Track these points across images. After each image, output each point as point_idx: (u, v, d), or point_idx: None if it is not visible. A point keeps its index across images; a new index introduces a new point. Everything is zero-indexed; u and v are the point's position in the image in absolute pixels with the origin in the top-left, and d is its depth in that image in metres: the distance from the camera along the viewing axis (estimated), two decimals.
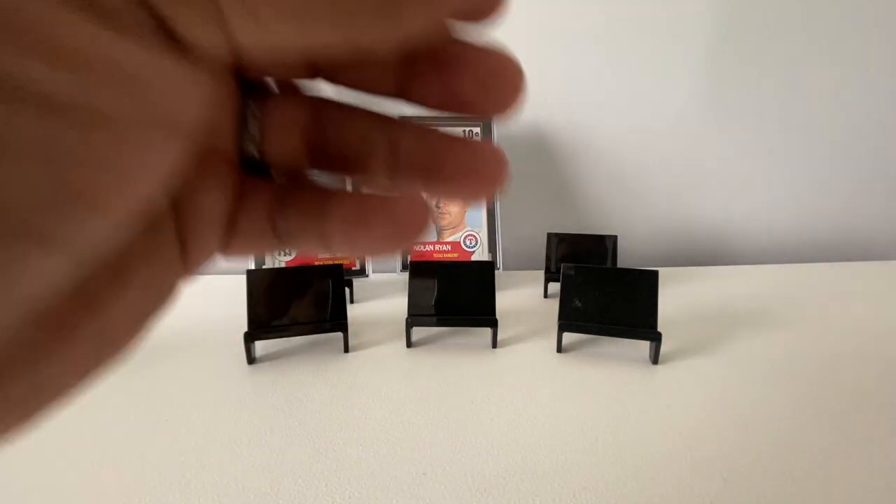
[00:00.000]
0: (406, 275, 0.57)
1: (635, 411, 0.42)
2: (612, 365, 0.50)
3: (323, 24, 0.09)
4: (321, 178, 0.14)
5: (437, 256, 0.73)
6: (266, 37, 0.09)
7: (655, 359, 0.50)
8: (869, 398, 0.45)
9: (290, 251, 0.68)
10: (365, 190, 0.14)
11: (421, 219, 0.13)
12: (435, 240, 0.73)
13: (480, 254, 0.73)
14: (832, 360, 0.52)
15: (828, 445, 0.38)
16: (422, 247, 0.73)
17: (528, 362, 0.51)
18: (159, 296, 0.12)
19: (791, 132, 0.92)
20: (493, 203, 0.74)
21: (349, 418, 0.41)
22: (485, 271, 0.55)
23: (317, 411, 0.42)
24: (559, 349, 0.53)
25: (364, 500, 0.33)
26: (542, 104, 0.86)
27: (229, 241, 0.14)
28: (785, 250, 0.97)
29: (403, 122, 0.14)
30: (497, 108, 0.13)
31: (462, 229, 0.74)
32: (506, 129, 0.84)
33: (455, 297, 0.54)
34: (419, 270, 0.55)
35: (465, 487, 0.34)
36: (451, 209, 0.74)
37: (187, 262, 0.13)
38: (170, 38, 0.09)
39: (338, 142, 0.14)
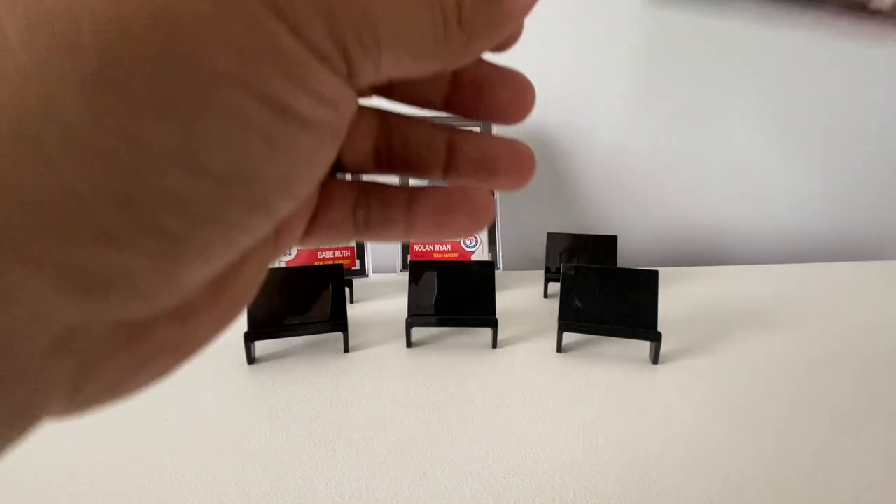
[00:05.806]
0: (406, 275, 0.57)
1: (635, 411, 0.42)
2: (612, 365, 0.50)
3: (434, 59, 0.13)
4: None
5: (437, 256, 0.73)
6: (395, 70, 0.12)
7: (655, 359, 0.50)
8: (869, 398, 0.45)
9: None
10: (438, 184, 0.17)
11: (492, 206, 0.17)
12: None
13: (480, 254, 0.73)
14: (832, 360, 0.52)
15: (828, 445, 0.38)
16: (422, 246, 0.73)
17: (528, 362, 0.51)
18: (259, 274, 0.15)
19: (791, 133, 0.92)
20: (493, 203, 0.74)
21: (349, 418, 0.41)
22: (485, 271, 0.55)
23: (317, 411, 0.42)
24: (559, 349, 0.53)
25: (364, 499, 0.33)
26: (543, 104, 0.85)
27: (312, 232, 0.16)
28: (784, 250, 0.97)
29: (459, 129, 0.17)
30: (520, 117, 0.16)
31: None
32: (505, 129, 0.84)
33: (455, 297, 0.54)
34: (419, 270, 0.55)
35: (464, 487, 0.34)
36: None
37: (277, 248, 0.15)
38: (348, 74, 0.12)
39: (403, 148, 0.17)
